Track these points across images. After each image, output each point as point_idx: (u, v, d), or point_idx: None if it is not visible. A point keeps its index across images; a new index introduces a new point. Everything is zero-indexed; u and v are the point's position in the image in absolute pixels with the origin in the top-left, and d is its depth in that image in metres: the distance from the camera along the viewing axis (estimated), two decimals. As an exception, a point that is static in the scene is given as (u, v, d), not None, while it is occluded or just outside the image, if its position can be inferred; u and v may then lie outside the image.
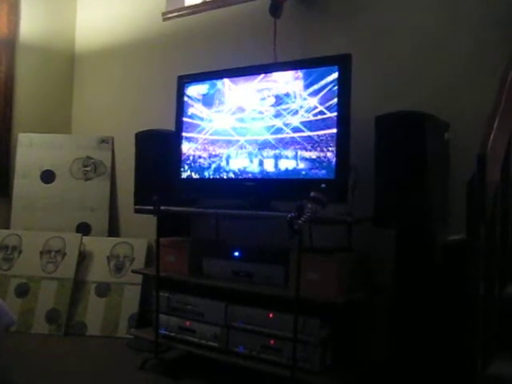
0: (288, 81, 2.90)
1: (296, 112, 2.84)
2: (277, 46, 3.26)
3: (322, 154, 2.73)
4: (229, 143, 3.06)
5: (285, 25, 3.28)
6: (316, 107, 2.78)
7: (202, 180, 3.18)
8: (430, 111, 2.50)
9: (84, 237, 3.97)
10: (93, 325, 3.71)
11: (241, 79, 3.08)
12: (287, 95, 2.89)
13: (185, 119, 3.27)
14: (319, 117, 2.76)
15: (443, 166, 2.60)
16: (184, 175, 3.24)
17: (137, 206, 3.33)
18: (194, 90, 3.25)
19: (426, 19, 2.89)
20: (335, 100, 2.71)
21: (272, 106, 2.93)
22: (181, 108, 3.29)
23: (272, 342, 2.69)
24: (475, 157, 1.87)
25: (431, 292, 2.46)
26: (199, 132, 3.20)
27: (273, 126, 2.92)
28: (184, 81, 3.30)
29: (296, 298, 2.31)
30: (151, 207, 2.97)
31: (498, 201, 1.99)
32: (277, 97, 2.92)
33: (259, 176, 2.94)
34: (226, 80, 3.14)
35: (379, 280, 2.82)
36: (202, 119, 3.20)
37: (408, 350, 2.49)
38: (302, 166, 2.80)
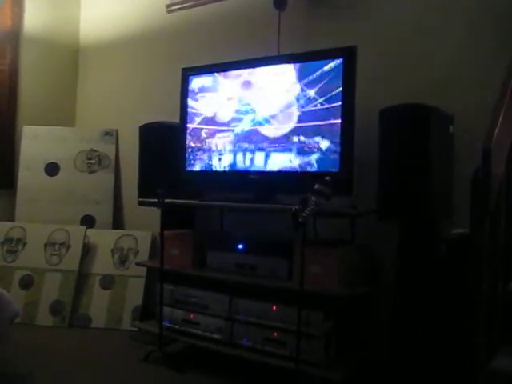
0: (293, 73, 2.89)
1: (300, 104, 2.84)
2: (281, 39, 3.25)
3: (326, 147, 2.73)
4: (234, 136, 3.06)
5: (289, 17, 3.27)
6: (320, 100, 2.77)
7: (206, 173, 3.17)
8: (434, 104, 2.49)
9: (88, 229, 3.98)
10: (97, 317, 3.73)
11: (245, 71, 3.07)
12: (292, 88, 2.88)
13: (189, 111, 3.26)
14: (324, 109, 2.75)
15: (447, 159, 2.59)
16: (188, 168, 3.24)
17: (141, 199, 3.33)
18: (198, 83, 3.24)
19: (428, 12, 2.88)
20: (340, 92, 2.70)
21: (276, 98, 2.93)
22: (185, 100, 3.28)
23: (276, 334, 2.69)
24: (480, 150, 1.86)
25: (434, 286, 2.46)
26: (203, 124, 3.20)
27: (277, 119, 2.91)
28: (188, 73, 3.30)
29: (300, 290, 2.31)
30: (155, 200, 2.97)
31: (503, 194, 1.99)
32: (281, 89, 2.91)
33: (263, 169, 2.94)
34: (229, 72, 3.13)
35: (383, 273, 2.82)
36: (205, 112, 3.20)
37: (411, 343, 2.49)
38: (305, 158, 2.80)
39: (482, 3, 2.72)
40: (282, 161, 2.87)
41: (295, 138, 2.83)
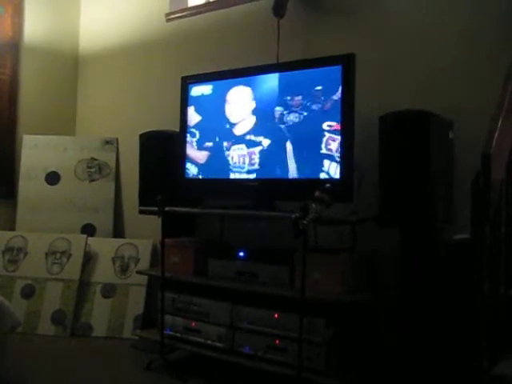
0: (291, 81, 2.90)
1: (299, 112, 2.84)
2: (280, 46, 3.26)
3: (326, 154, 2.73)
4: (232, 143, 3.06)
5: (288, 25, 3.28)
6: (320, 107, 2.78)
7: (207, 180, 3.18)
8: (434, 110, 2.49)
9: (89, 238, 3.98)
10: (98, 326, 3.72)
11: (244, 80, 3.07)
12: (290, 95, 2.88)
13: (188, 119, 3.27)
14: (323, 116, 2.76)
15: (447, 165, 2.59)
16: (188, 176, 3.24)
17: (141, 207, 3.33)
18: (198, 91, 3.25)
19: (427, 18, 2.89)
20: (339, 99, 2.70)
21: (275, 106, 2.93)
22: (184, 109, 3.29)
23: (277, 342, 2.69)
24: (480, 156, 1.87)
25: (436, 291, 2.46)
26: (202, 132, 3.20)
27: (276, 126, 2.92)
28: (188, 81, 3.30)
29: (301, 298, 2.31)
30: (156, 208, 2.97)
31: (503, 199, 1.99)
32: (280, 97, 2.92)
33: (264, 176, 2.94)
34: (228, 80, 3.14)
35: (384, 279, 2.82)
36: (204, 120, 3.20)
37: (413, 349, 2.49)
38: (306, 166, 2.80)
39: (482, 10, 2.72)
40: (283, 168, 2.87)
41: (294, 146, 2.84)
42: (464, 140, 2.62)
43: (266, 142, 2.95)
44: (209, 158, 3.17)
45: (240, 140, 3.04)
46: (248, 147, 3.01)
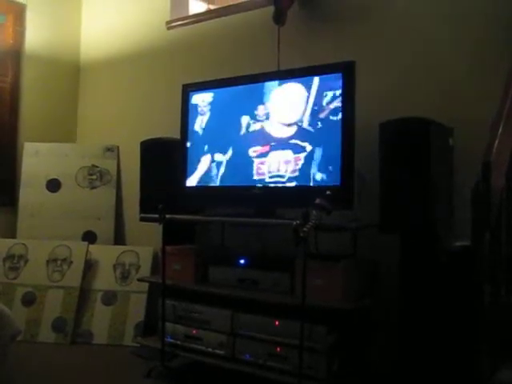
0: (292, 88, 2.90)
1: (300, 119, 2.85)
2: (281, 54, 3.27)
3: (327, 161, 2.73)
4: (232, 150, 3.07)
5: (288, 32, 3.29)
6: (321, 114, 2.78)
7: (208, 188, 3.18)
8: (434, 117, 2.50)
9: (90, 245, 3.97)
10: (99, 333, 3.71)
11: (244, 87, 3.08)
12: (291, 103, 2.89)
13: (189, 127, 3.27)
14: (324, 124, 2.77)
15: (447, 172, 2.60)
16: (189, 183, 3.25)
17: (142, 215, 3.33)
18: (199, 99, 3.26)
19: (427, 26, 2.90)
20: (340, 107, 2.71)
21: (276, 113, 2.94)
22: (185, 116, 3.29)
23: (278, 349, 2.68)
24: (480, 163, 1.87)
25: (437, 298, 2.46)
26: (203, 139, 3.21)
27: (277, 133, 2.92)
28: (189, 89, 3.31)
29: (302, 305, 2.31)
30: (157, 215, 2.97)
31: (503, 206, 1.99)
32: (281, 104, 2.93)
33: (264, 184, 2.95)
34: (229, 88, 3.15)
35: (385, 286, 2.81)
36: (206, 126, 3.21)
37: (415, 356, 2.48)
38: (307, 173, 2.80)
39: (483, 18, 2.74)
40: (283, 175, 2.88)
41: (295, 154, 2.84)
42: (464, 147, 2.63)
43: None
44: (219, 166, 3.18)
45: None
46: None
